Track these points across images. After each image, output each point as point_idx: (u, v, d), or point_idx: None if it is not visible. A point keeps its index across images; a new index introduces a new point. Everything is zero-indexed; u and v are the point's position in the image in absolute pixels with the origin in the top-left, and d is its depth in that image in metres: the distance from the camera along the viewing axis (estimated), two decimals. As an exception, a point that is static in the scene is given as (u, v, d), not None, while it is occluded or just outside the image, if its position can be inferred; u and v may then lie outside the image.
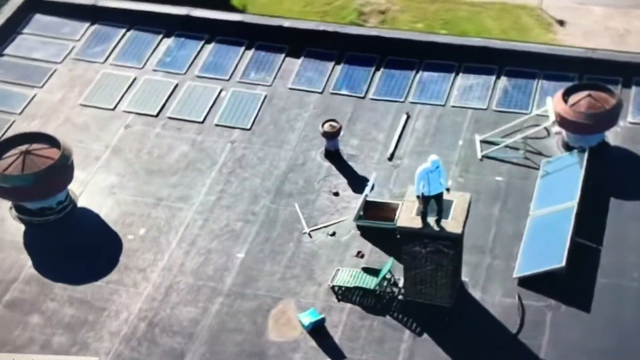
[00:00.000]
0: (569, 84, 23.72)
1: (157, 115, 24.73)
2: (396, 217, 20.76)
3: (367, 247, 20.89)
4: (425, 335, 18.93)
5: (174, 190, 22.58)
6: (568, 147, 22.54)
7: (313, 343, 18.97)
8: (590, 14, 44.34)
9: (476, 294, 19.52)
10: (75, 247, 21.19)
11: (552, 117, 22.33)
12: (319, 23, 27.25)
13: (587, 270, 19.60)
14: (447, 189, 17.76)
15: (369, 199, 21.29)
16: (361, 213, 21.14)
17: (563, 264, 19.17)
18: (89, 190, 22.61)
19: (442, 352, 18.57)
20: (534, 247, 19.95)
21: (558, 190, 21.16)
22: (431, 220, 17.87)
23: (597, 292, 19.28)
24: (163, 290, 20.24)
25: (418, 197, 17.68)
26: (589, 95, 22.11)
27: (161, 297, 20.09)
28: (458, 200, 18.15)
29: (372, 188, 21.43)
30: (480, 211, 20.78)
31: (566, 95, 22.37)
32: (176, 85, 25.62)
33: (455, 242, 17.78)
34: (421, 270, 18.52)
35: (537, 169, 22.25)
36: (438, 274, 18.47)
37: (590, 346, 18.26)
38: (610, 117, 21.93)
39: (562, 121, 22.12)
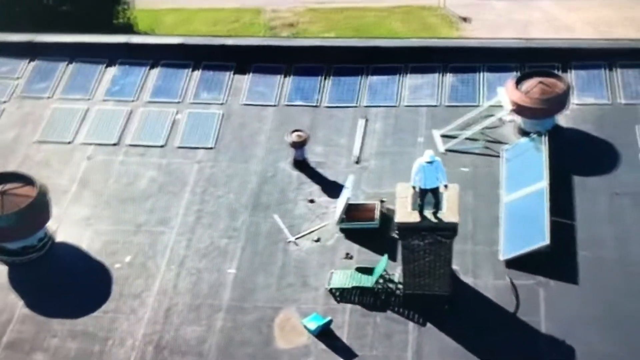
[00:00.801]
0: (511, 74, 24.93)
1: (117, 144, 24.71)
2: (376, 216, 21.54)
3: (354, 248, 21.48)
4: (429, 325, 19.63)
5: (151, 215, 22.65)
6: (524, 133, 23.66)
7: (322, 346, 19.43)
8: (493, 8, 46.27)
9: (468, 280, 20.36)
10: (64, 282, 21.08)
11: (508, 106, 23.42)
12: (262, 39, 27.85)
13: (566, 246, 20.70)
14: (445, 185, 18.42)
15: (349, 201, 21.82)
16: (344, 216, 21.69)
17: (547, 241, 20.21)
18: (65, 224, 22.48)
19: (449, 338, 19.30)
20: (514, 229, 20.93)
21: (525, 173, 22.26)
22: (428, 213, 18.55)
23: (581, 265, 20.41)
24: (162, 313, 20.35)
25: (414, 188, 18.38)
26: (540, 82, 23.35)
27: (162, 319, 20.19)
28: (448, 191, 18.92)
29: (351, 191, 21.93)
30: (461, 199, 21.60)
31: (518, 83, 23.51)
32: (130, 112, 25.62)
33: (453, 231, 18.56)
34: (420, 263, 19.24)
35: (498, 156, 23.26)
36: (436, 264, 19.24)
37: (586, 316, 19.33)
38: (563, 100, 23.24)
39: (518, 108, 23.23)
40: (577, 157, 22.93)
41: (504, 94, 23.75)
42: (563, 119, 24.05)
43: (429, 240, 18.83)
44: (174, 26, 47.06)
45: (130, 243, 21.99)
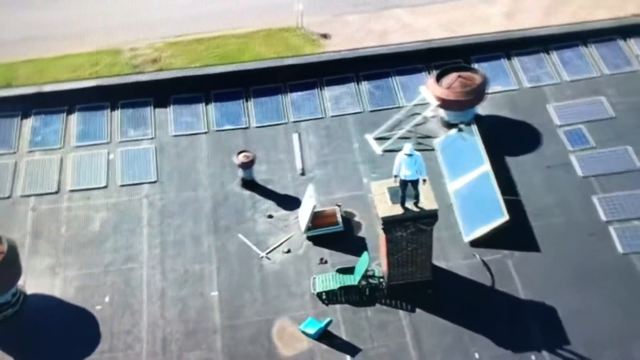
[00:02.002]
0: (421, 74, 26.77)
1: (58, 192, 24.64)
2: (339, 220, 22.67)
3: (325, 252, 22.48)
4: (418, 310, 20.90)
5: (116, 255, 22.83)
6: (450, 125, 25.45)
7: (324, 347, 20.33)
8: (348, 23, 48.14)
9: (441, 264, 21.79)
10: (50, 332, 20.93)
11: (434, 102, 25.14)
12: (176, 71, 28.23)
13: (519, 219, 22.53)
14: (424, 180, 19.73)
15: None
16: (310, 224, 22.68)
17: (507, 217, 21.97)
18: (31, 277, 22.27)
19: (440, 319, 20.68)
20: (470, 212, 22.58)
21: (464, 161, 24.00)
22: (409, 204, 19.88)
23: (537, 234, 22.29)
24: (159, 343, 20.66)
25: (396, 177, 19.62)
26: (459, 76, 25.21)
27: (161, 350, 20.51)
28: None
29: (315, 199, 22.92)
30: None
31: (438, 80, 25.29)
32: (61, 160, 25.58)
33: (434, 217, 19.97)
34: (403, 253, 20.50)
35: (433, 149, 24.92)
36: (418, 252, 20.57)
37: (555, 278, 21.21)
38: (482, 90, 25.21)
39: (444, 102, 24.99)
40: (503, 140, 24.85)
41: (427, 91, 25.39)
42: (480, 109, 25.93)
43: (412, 230, 20.10)
44: (30, 77, 46.20)
45: (103, 284, 22.05)
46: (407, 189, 19.75)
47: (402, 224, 19.95)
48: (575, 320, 20.15)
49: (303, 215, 22.96)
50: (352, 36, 46.55)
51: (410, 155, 19.42)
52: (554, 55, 27.68)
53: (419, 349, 19.99)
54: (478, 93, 25.00)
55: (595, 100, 25.94)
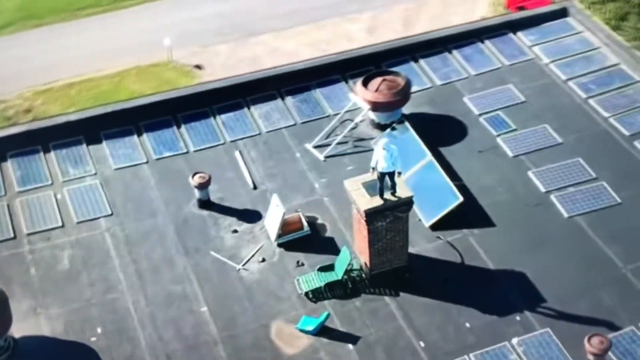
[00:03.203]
0: (339, 83, 28.57)
1: (15, 237, 24.68)
2: (304, 224, 24.01)
3: (298, 256, 23.72)
4: (402, 294, 22.47)
5: (94, 287, 23.18)
6: (380, 126, 27.29)
7: (325, 340, 21.52)
8: (218, 52, 49.63)
9: (409, 250, 23.45)
10: (52, 370, 21.07)
11: (366, 106, 26.93)
12: (102, 107, 28.66)
13: (468, 200, 24.56)
14: (399, 173, 21.34)
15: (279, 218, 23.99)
16: (280, 232, 23.88)
17: (461, 198, 23.98)
18: (14, 321, 22.26)
19: (425, 298, 22.29)
20: (425, 199, 24.36)
21: (406, 155, 25.64)
22: (387, 195, 21.49)
23: (488, 210, 24.37)
24: (165, 362, 21.21)
25: (373, 169, 21.15)
26: (384, 80, 27.12)
27: (169, 368, 21.06)
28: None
29: (282, 207, 24.07)
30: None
31: (365, 85, 27.11)
32: (8, 206, 25.59)
33: (410, 204, 21.67)
34: (383, 242, 22.06)
35: (372, 149, 26.57)
36: (396, 239, 22.17)
37: (517, 247, 23.30)
38: (408, 91, 27.20)
39: (375, 105, 26.81)
40: (432, 134, 26.82)
41: (357, 97, 27.13)
42: (404, 109, 27.91)
43: (390, 219, 21.68)
44: None
45: (90, 317, 22.36)
46: (384, 180, 21.25)
47: (383, 214, 21.43)
48: (544, 280, 22.23)
49: (271, 224, 24.04)
50: (225, 64, 47.93)
51: (386, 149, 20.95)
52: (456, 53, 30.02)
53: (413, 328, 21.49)
54: (404, 93, 26.93)
55: (504, 88, 28.43)
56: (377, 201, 21.33)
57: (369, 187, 21.60)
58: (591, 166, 25.22)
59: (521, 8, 46.89)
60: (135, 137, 27.62)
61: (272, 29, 51.40)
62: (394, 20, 51.35)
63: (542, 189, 24.69)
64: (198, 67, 48.53)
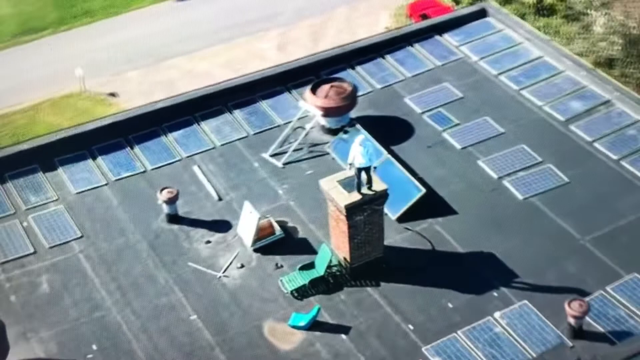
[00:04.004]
0: (283, 94, 29.74)
1: (-11, 265, 24.70)
2: (276, 228, 24.98)
3: (276, 259, 24.62)
4: (382, 284, 23.65)
5: (80, 308, 23.41)
6: (331, 131, 28.52)
7: (318, 333, 22.47)
8: (130, 79, 50.03)
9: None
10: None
11: (318, 112, 28.11)
12: (52, 134, 28.82)
13: (427, 191, 25.96)
14: (375, 167, 22.53)
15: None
16: (256, 237, 24.75)
17: (424, 190, 25.40)
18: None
19: (404, 285, 23.48)
20: (389, 194, 25.62)
21: (362, 155, 26.99)
22: (364, 189, 22.68)
23: (448, 200, 25.86)
24: (166, 371, 21.73)
25: (350, 165, 22.28)
26: (332, 86, 28.37)
27: (171, 376, 21.59)
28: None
29: (255, 213, 24.91)
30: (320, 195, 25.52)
31: (314, 93, 28.30)
32: (-32, 240, 25.55)
33: (385, 197, 22.92)
34: (361, 235, 23.21)
35: (327, 153, 27.83)
36: (373, 231, 23.35)
37: (482, 231, 24.76)
38: (355, 96, 28.51)
39: (326, 111, 28.02)
40: (381, 134, 28.14)
41: (307, 105, 28.28)
42: (350, 113, 29.19)
43: (368, 212, 22.86)
44: None
45: (82, 336, 22.66)
46: (361, 176, 22.42)
47: (361, 208, 22.57)
48: (512, 257, 23.78)
49: (245, 231, 24.84)
50: (139, 90, 48.36)
51: (363, 145, 22.13)
52: (389, 58, 31.54)
53: (400, 313, 22.66)
54: (352, 98, 28.21)
55: (441, 87, 30.07)
56: (355, 196, 22.43)
57: (345, 184, 22.65)
58: (535, 151, 27.00)
59: (424, 16, 49.17)
60: (90, 160, 27.96)
61: (183, 52, 52.12)
62: (302, 36, 52.82)
63: (495, 176, 26.30)
64: (112, 94, 48.78)
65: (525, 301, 22.48)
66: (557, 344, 21.23)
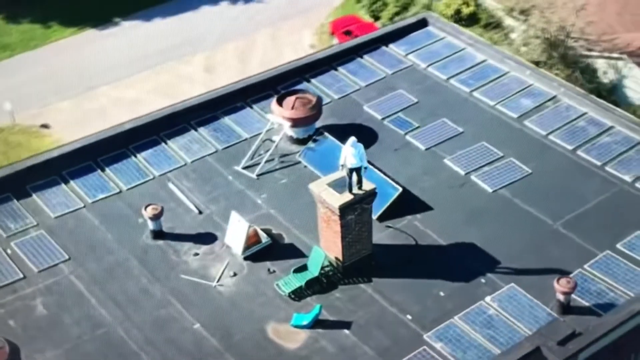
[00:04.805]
0: (244, 109, 30.73)
1: (-23, 294, 24.76)
2: (262, 236, 25.90)
3: (267, 265, 25.48)
4: (374, 279, 24.79)
5: (81, 326, 23.65)
6: (299, 141, 29.59)
7: (321, 330, 23.40)
8: (61, 109, 50.02)
9: (366, 241, 25.79)
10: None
11: (287, 124, 29.15)
12: (22, 162, 28.98)
13: (402, 190, 27.28)
14: (365, 168, 23.66)
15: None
16: (246, 245, 25.58)
17: (400, 189, 26.71)
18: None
19: (395, 279, 24.61)
20: (371, 194, 26.76)
21: (334, 161, 28.07)
22: (355, 189, 23.81)
23: (422, 197, 27.21)
24: (180, 378, 22.29)
25: (342, 166, 23.36)
26: (297, 98, 29.47)
27: (186, 381, 22.16)
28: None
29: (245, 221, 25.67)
30: (302, 200, 26.62)
31: (280, 105, 29.35)
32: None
33: (374, 195, 24.10)
34: (353, 234, 24.33)
35: (299, 162, 28.87)
36: (363, 230, 24.47)
37: (459, 223, 26.11)
38: (320, 105, 29.67)
39: (295, 121, 29.08)
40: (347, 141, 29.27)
41: (275, 117, 29.27)
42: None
43: (358, 211, 23.99)
44: None
45: (89, 352, 22.95)
46: (352, 176, 23.53)
47: (353, 208, 23.68)
48: (492, 245, 25.23)
49: (235, 240, 25.59)
50: (71, 120, 48.47)
51: (354, 146, 23.25)
52: (341, 70, 32.82)
53: (396, 305, 23.80)
54: (319, 108, 29.35)
55: (396, 93, 31.51)
56: (347, 196, 23.49)
57: (335, 185, 23.70)
58: (495, 147, 28.65)
59: (347, 32, 50.77)
60: (63, 185, 28.19)
61: (110, 80, 52.38)
62: (229, 58, 53.78)
63: (462, 172, 27.79)
64: (45, 126, 48.67)
65: (512, 284, 23.90)
66: (548, 320, 22.65)
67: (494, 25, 46.32)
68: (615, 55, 42.36)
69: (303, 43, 52.89)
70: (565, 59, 41.39)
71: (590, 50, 42.78)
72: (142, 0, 57.55)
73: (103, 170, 28.73)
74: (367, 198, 23.72)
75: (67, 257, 25.68)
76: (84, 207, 27.43)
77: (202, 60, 52.70)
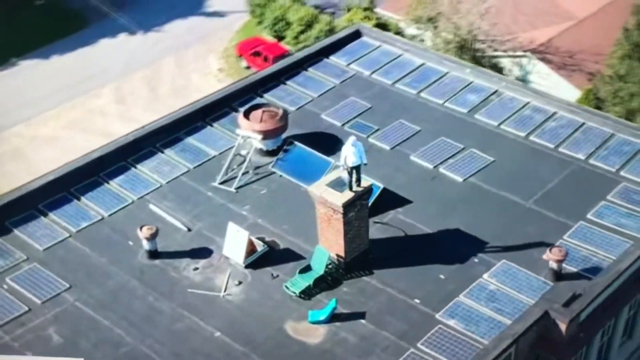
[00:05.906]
0: (204, 129, 31.73)
1: (-18, 328, 24.78)
2: (259, 244, 26.99)
3: (269, 270, 26.52)
4: (375, 271, 26.26)
5: (99, 349, 24.05)
6: (269, 152, 30.80)
7: (338, 323, 24.63)
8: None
9: (358, 238, 27.23)
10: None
11: (257, 136, 30.30)
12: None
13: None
14: (365, 164, 25.03)
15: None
16: (246, 254, 26.57)
17: (382, 186, 28.32)
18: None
19: (396, 269, 26.11)
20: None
21: (310, 168, 29.48)
22: (354, 187, 25.22)
23: (399, 192, 28.87)
24: (217, 384, 23.06)
25: (343, 165, 24.70)
26: (264, 111, 30.69)
27: (224, 387, 22.96)
28: (339, 173, 25.63)
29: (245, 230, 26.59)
30: (285, 206, 27.99)
31: (247, 119, 30.50)
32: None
33: (371, 191, 25.60)
34: (353, 230, 25.73)
35: (274, 172, 30.03)
36: (362, 225, 25.88)
37: (439, 212, 27.84)
38: (287, 117, 30.97)
39: (265, 133, 30.27)
40: (316, 147, 30.71)
41: (245, 131, 30.35)
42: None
43: (358, 208, 25.43)
44: None
45: (108, 369, 23.39)
46: (352, 174, 24.92)
47: (354, 205, 25.08)
48: (475, 228, 27.06)
49: (235, 250, 26.50)
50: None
51: (354, 145, 24.65)
52: (290, 83, 34.18)
53: (402, 292, 25.29)
54: (286, 119, 30.63)
55: (349, 101, 33.11)
56: (349, 194, 24.84)
57: (335, 184, 25.02)
58: (454, 140, 30.64)
59: (256, 54, 52.15)
60: (42, 218, 28.36)
61: (21, 120, 51.82)
62: (138, 87, 54.19)
63: (430, 166, 29.60)
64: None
65: (504, 260, 25.79)
66: (544, 288, 24.63)
67: (402, 34, 48.62)
68: (519, 53, 45.42)
69: (211, 67, 53.86)
70: (475, 60, 44.06)
71: (496, 50, 45.70)
72: (35, 39, 57.04)
73: (79, 199, 29.00)
74: (365, 194, 25.05)
75: (67, 285, 25.91)
76: (70, 236, 27.68)
77: (111, 92, 52.87)
